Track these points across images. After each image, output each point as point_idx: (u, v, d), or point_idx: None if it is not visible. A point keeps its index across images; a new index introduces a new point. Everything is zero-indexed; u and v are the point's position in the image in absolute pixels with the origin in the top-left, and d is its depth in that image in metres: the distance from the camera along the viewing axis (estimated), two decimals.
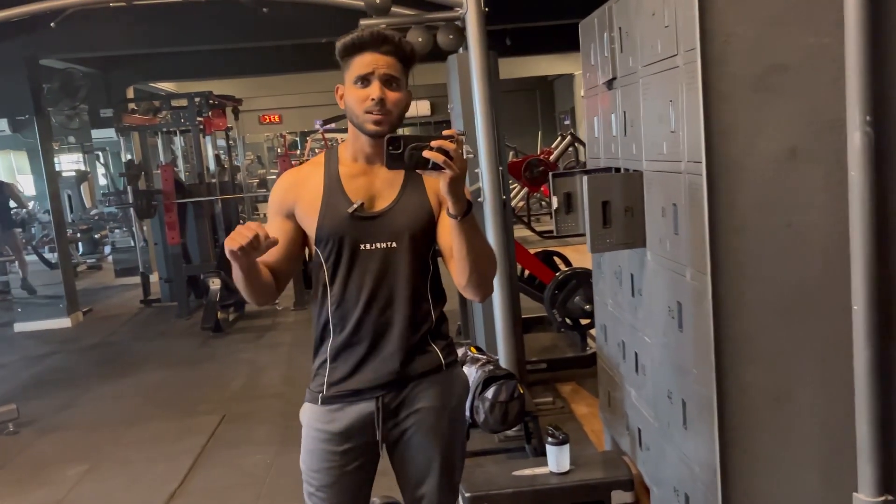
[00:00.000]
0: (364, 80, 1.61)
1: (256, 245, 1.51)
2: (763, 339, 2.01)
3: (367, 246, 1.66)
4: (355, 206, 1.65)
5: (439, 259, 1.75)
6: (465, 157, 1.44)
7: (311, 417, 1.75)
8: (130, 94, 9.66)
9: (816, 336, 2.00)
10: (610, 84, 2.81)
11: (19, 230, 8.65)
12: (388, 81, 1.61)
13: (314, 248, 1.70)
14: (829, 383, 2.00)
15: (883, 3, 1.83)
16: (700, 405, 2.12)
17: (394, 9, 4.09)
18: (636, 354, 2.72)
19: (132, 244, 9.65)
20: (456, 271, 1.62)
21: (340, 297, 1.69)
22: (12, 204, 8.76)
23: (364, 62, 1.60)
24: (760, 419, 2.03)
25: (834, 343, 1.97)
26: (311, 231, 1.68)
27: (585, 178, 2.59)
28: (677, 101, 2.09)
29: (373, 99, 1.59)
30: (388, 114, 1.61)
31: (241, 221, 10.17)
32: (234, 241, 1.50)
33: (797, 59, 1.92)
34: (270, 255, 1.65)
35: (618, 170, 2.77)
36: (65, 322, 7.42)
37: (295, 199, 1.70)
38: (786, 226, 1.96)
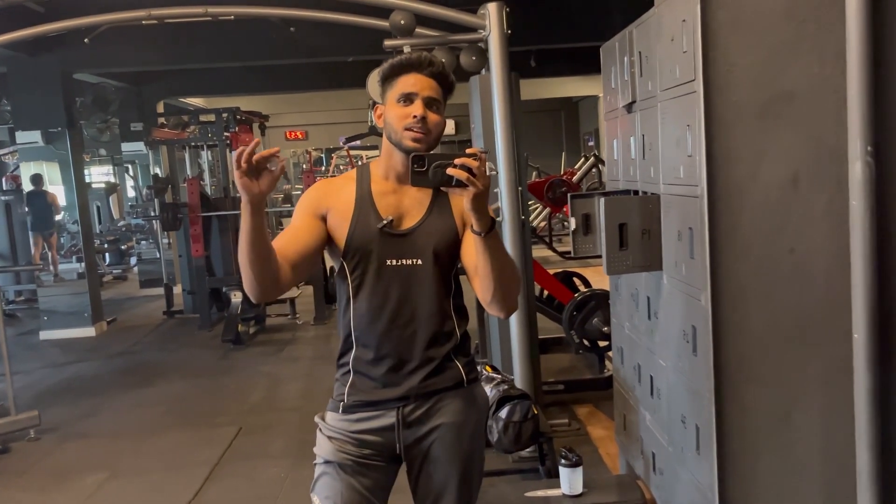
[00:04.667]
0: (407, 98, 1.65)
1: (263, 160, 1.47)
2: (765, 361, 2.02)
3: (393, 262, 1.69)
4: (385, 222, 1.69)
5: (462, 278, 1.77)
6: (487, 174, 1.47)
7: (331, 419, 1.77)
8: (160, 108, 9.86)
9: (818, 360, 2.01)
10: (629, 107, 2.82)
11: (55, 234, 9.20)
12: (430, 103, 1.66)
13: (340, 260, 1.73)
14: (830, 407, 2.00)
15: (885, 36, 1.85)
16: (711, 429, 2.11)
17: (418, 30, 4.13)
18: (651, 378, 2.71)
19: (157, 256, 9.79)
20: (480, 288, 1.64)
21: (364, 311, 1.71)
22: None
23: (409, 82, 1.65)
24: (761, 442, 2.04)
25: (836, 367, 1.98)
26: (341, 241, 1.70)
27: (603, 199, 2.60)
28: (694, 126, 2.10)
29: (415, 116, 1.63)
30: (428, 133, 1.65)
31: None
32: (241, 151, 1.46)
33: (802, 88, 1.94)
34: (287, 244, 1.65)
35: (636, 192, 2.78)
36: (89, 331, 7.54)
37: (329, 205, 1.72)
38: (788, 251, 1.98)
